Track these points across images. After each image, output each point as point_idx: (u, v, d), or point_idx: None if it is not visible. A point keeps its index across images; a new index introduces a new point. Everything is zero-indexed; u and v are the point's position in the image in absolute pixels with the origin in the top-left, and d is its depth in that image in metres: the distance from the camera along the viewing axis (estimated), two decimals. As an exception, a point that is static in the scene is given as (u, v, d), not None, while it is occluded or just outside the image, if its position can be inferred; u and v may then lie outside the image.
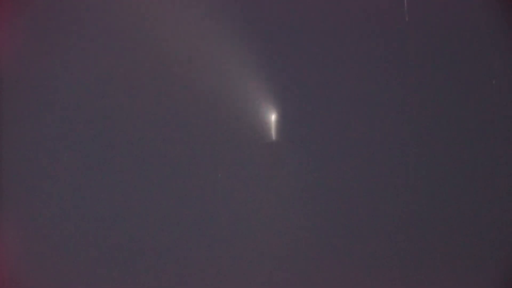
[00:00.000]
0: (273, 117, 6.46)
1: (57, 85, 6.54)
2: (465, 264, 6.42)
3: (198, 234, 6.42)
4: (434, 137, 6.52)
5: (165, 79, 6.51)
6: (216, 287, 6.39)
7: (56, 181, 6.51)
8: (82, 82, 6.52)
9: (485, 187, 6.50)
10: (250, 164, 6.44)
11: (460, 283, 6.41)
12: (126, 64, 6.50)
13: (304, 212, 6.46)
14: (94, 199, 6.48)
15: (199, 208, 6.43)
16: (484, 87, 6.53)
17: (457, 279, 6.43)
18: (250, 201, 6.43)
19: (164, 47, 6.49)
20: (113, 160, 6.50)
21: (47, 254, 6.45)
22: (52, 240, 6.47)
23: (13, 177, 6.51)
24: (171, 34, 6.50)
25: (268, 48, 6.47)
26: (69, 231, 6.48)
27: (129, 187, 6.49)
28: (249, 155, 6.45)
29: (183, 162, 6.50)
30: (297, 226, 6.44)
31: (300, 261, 6.39)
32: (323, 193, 6.45)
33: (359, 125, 6.48)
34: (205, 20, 6.47)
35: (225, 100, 6.44)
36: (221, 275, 6.40)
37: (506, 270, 6.41)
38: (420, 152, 6.51)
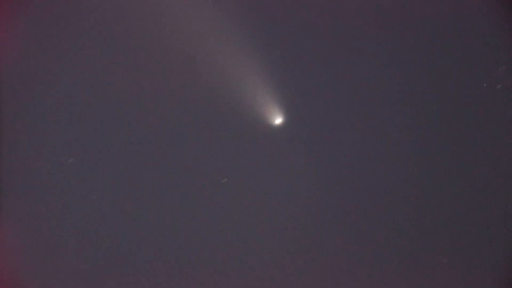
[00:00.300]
0: (277, 118, 6.46)
1: (57, 85, 6.54)
2: (465, 264, 6.41)
3: (201, 234, 6.40)
4: (436, 138, 6.51)
5: (167, 79, 6.50)
6: (217, 287, 6.40)
7: (56, 181, 6.50)
8: (82, 82, 6.52)
9: (485, 187, 6.49)
10: (254, 165, 6.44)
11: (460, 283, 6.40)
12: (127, 64, 6.49)
13: (308, 212, 6.46)
14: (95, 199, 6.48)
15: (203, 208, 6.42)
16: (486, 89, 6.53)
17: (457, 279, 6.43)
18: (253, 202, 6.44)
19: (166, 47, 6.48)
20: (114, 160, 6.49)
21: (47, 254, 6.44)
22: (51, 240, 6.46)
23: (13, 177, 6.51)
24: (172, 34, 6.49)
25: (273, 49, 6.47)
26: (69, 231, 6.46)
27: (130, 187, 6.48)
28: (252, 155, 6.45)
29: (185, 162, 6.49)
30: (301, 225, 6.42)
31: (304, 260, 6.38)
32: (326, 194, 6.44)
33: (364, 127, 6.47)
34: (206, 20, 6.47)
35: (229, 100, 6.43)
36: (223, 275, 6.39)
37: (506, 270, 6.40)
38: (422, 153, 6.50)
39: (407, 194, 6.55)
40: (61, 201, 6.54)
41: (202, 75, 6.53)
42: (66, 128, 6.57)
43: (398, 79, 6.61)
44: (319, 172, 6.56)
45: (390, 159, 6.56)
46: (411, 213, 6.54)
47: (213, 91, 6.54)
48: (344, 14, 6.59)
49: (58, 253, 6.48)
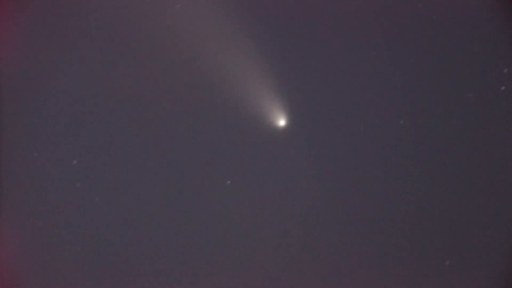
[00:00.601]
0: (281, 120, 6.45)
1: (59, 86, 6.51)
2: (467, 266, 6.47)
3: (206, 236, 6.42)
4: (440, 141, 6.52)
5: (170, 81, 6.46)
6: (218, 286, 6.43)
7: (59, 183, 6.49)
8: (85, 82, 6.49)
9: (489, 189, 6.53)
10: (258, 167, 6.44)
11: (460, 283, 6.46)
12: (129, 64, 6.46)
13: (312, 213, 6.48)
14: (98, 201, 6.47)
15: (207, 210, 6.43)
16: (490, 91, 6.54)
17: (457, 279, 6.49)
18: (257, 204, 6.45)
19: (168, 48, 6.44)
20: (117, 162, 6.47)
21: (48, 255, 6.44)
22: (52, 241, 6.46)
23: (14, 178, 6.49)
24: (175, 34, 6.45)
25: (277, 50, 6.44)
26: (71, 233, 6.46)
27: (133, 189, 6.47)
28: (256, 157, 6.45)
29: (188, 164, 6.48)
30: (305, 226, 6.45)
31: (309, 261, 6.42)
32: (330, 196, 6.46)
33: (368, 129, 6.48)
34: (209, 20, 6.42)
35: (232, 101, 6.41)
36: (227, 277, 6.42)
37: (506, 270, 6.47)
38: (426, 155, 6.52)
39: (411, 196, 6.57)
40: (64, 202, 6.52)
41: (205, 76, 6.49)
42: (66, 128, 6.54)
43: (402, 80, 6.59)
44: (323, 173, 6.56)
45: (393, 161, 6.57)
46: (414, 214, 6.56)
47: (216, 92, 6.51)
48: (348, 16, 6.56)
49: (59, 255, 6.48)
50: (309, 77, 6.61)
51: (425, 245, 6.53)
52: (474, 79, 6.55)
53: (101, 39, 6.54)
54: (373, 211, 6.55)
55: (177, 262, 6.47)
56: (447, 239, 6.51)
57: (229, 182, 6.48)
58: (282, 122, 6.52)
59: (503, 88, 6.40)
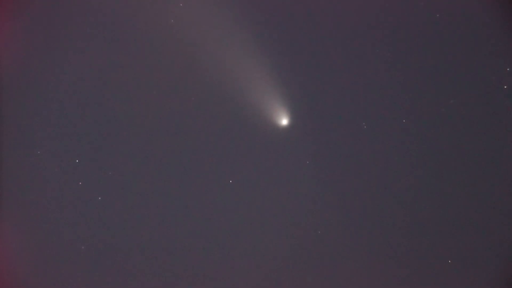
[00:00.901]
0: (283, 119, 6.44)
1: (61, 86, 6.49)
2: (468, 265, 6.49)
3: (208, 235, 6.42)
4: (442, 140, 6.52)
5: (172, 81, 6.44)
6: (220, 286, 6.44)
7: (58, 179, 6.48)
8: (87, 82, 6.47)
9: (490, 188, 6.54)
10: (260, 166, 6.44)
11: (461, 282, 6.48)
12: (131, 64, 6.43)
13: (313, 213, 6.48)
14: (97, 198, 6.46)
15: (209, 209, 6.43)
16: (493, 90, 6.53)
17: (457, 279, 6.50)
18: (259, 203, 6.45)
19: (170, 48, 6.41)
20: (118, 161, 6.45)
21: (48, 255, 6.44)
22: (53, 240, 6.45)
23: (15, 178, 6.47)
24: (177, 35, 6.41)
25: (278, 50, 6.42)
26: (72, 232, 6.46)
27: (135, 188, 6.47)
28: (258, 157, 6.45)
29: (190, 163, 6.48)
30: (306, 226, 6.46)
31: (310, 260, 6.43)
32: (331, 195, 6.47)
33: (370, 129, 6.48)
34: (211, 21, 6.39)
35: (234, 101, 6.40)
36: (229, 275, 6.43)
37: (506, 270, 6.48)
38: (428, 155, 6.52)
39: (413, 196, 6.58)
40: (66, 201, 6.52)
41: (207, 76, 6.47)
42: (71, 129, 6.54)
43: (405, 80, 6.58)
44: (325, 172, 6.56)
45: (395, 160, 6.57)
46: (415, 214, 6.57)
47: (218, 92, 6.49)
48: (351, 16, 6.53)
49: (60, 254, 6.48)
50: (311, 77, 6.59)
51: (427, 244, 6.55)
52: (477, 78, 6.54)
53: (102, 39, 6.51)
54: (374, 211, 6.56)
55: (179, 260, 6.47)
56: (449, 238, 6.52)
57: (230, 181, 6.47)
58: (284, 122, 6.51)
59: (505, 87, 6.39)
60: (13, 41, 6.46)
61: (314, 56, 6.57)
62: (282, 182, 6.56)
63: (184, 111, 6.52)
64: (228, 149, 6.54)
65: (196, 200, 6.52)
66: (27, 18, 6.48)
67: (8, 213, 6.47)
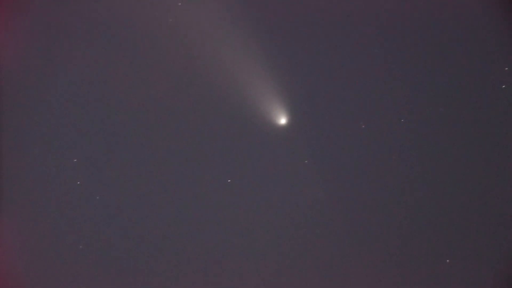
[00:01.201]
0: (282, 118, 6.44)
1: (60, 85, 6.51)
2: (468, 265, 6.46)
3: (207, 234, 6.42)
4: (441, 139, 6.52)
5: (171, 80, 6.46)
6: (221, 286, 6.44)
7: (57, 179, 6.49)
8: (86, 81, 6.49)
9: (490, 188, 6.52)
10: (259, 165, 6.44)
11: (460, 282, 6.46)
12: (130, 63, 6.45)
13: (313, 212, 6.48)
14: (98, 200, 6.47)
15: (207, 208, 6.43)
16: (491, 89, 6.52)
17: (458, 277, 6.48)
18: (258, 202, 6.45)
19: (169, 47, 6.43)
20: (117, 160, 6.46)
21: (48, 255, 6.44)
22: (53, 240, 6.46)
23: (14, 177, 6.49)
24: (176, 34, 6.44)
25: (278, 49, 6.43)
26: (71, 232, 6.47)
27: (134, 187, 6.47)
28: (257, 156, 6.45)
29: (189, 162, 6.49)
30: (305, 225, 6.45)
31: (309, 260, 6.42)
32: (330, 194, 6.47)
33: (369, 128, 6.49)
34: (210, 20, 6.41)
35: (233, 100, 6.41)
36: (228, 275, 6.42)
37: (506, 270, 6.46)
38: (427, 154, 6.51)
39: (412, 195, 6.57)
40: (64, 201, 6.53)
41: (206, 75, 6.48)
42: (70, 128, 6.56)
43: (403, 79, 6.59)
44: (324, 172, 6.56)
45: (394, 160, 6.57)
46: (414, 213, 6.56)
47: (216, 91, 6.50)
48: (350, 16, 6.54)
49: (60, 254, 6.48)
50: (310, 76, 6.60)
51: (426, 243, 6.53)
52: (476, 78, 6.54)
53: (101, 38, 6.54)
54: (373, 210, 6.55)
55: (177, 259, 6.47)
56: (448, 238, 6.51)
57: (229, 180, 6.48)
58: (282, 121, 6.51)
59: (503, 86, 6.38)
60: (13, 41, 6.50)
61: (312, 55, 6.58)
62: (280, 181, 6.57)
63: (182, 110, 6.54)
64: (226, 148, 6.54)
65: (194, 199, 6.53)
66: (27, 18, 6.51)
67: (6, 213, 6.48)
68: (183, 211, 6.52)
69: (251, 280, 6.47)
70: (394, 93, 6.58)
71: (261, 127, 6.50)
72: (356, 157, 6.59)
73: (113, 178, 6.54)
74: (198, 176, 6.54)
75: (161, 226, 6.51)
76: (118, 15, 6.51)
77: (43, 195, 6.55)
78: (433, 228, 6.52)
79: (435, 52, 6.56)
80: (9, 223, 6.47)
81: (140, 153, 6.56)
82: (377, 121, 6.55)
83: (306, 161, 6.54)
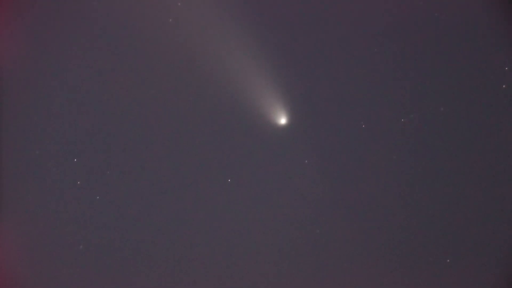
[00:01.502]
0: (282, 118, 6.44)
1: (56, 85, 6.51)
2: (468, 264, 6.47)
3: (207, 234, 6.42)
4: (441, 139, 6.52)
5: (171, 80, 6.45)
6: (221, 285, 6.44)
7: (57, 179, 6.49)
8: (86, 81, 6.48)
9: (490, 187, 6.52)
10: (259, 165, 6.44)
11: (461, 281, 6.46)
12: (131, 63, 6.45)
13: (313, 212, 6.48)
14: (98, 200, 6.47)
15: (208, 208, 6.43)
16: (492, 89, 6.52)
17: (458, 277, 6.48)
18: (258, 202, 6.45)
19: (170, 48, 6.43)
20: (118, 160, 6.47)
21: (48, 255, 6.44)
22: (53, 240, 6.46)
23: (15, 177, 6.49)
24: (177, 34, 6.43)
25: (278, 49, 6.43)
26: (71, 232, 6.47)
27: (134, 188, 6.48)
28: (257, 156, 6.45)
29: (189, 162, 6.48)
30: (305, 225, 6.46)
31: (310, 259, 6.42)
32: (331, 194, 6.47)
33: (369, 128, 6.49)
34: (210, 20, 6.41)
35: (234, 100, 6.41)
36: (228, 275, 6.42)
37: (506, 269, 6.46)
38: (427, 154, 6.51)
39: (412, 195, 6.57)
40: (64, 201, 6.52)
41: (206, 75, 6.48)
42: (70, 128, 6.55)
43: (404, 79, 6.58)
44: (323, 172, 6.56)
45: (395, 159, 6.57)
46: (415, 213, 6.56)
47: (216, 91, 6.50)
48: (350, 15, 6.54)
49: (60, 254, 6.48)
50: (310, 76, 6.59)
51: (426, 243, 6.53)
52: (476, 77, 6.54)
53: (101, 38, 6.53)
54: (373, 209, 6.55)
55: (177, 259, 6.48)
56: (448, 237, 6.51)
57: (229, 180, 6.48)
58: (283, 121, 6.51)
59: (504, 86, 6.38)
60: (13, 41, 6.49)
61: (312, 55, 6.58)
62: (280, 181, 6.57)
63: (182, 110, 6.53)
64: (227, 148, 6.54)
65: (194, 199, 6.53)
66: (27, 18, 6.51)
67: (6, 213, 6.48)
68: (184, 211, 6.53)
69: (252, 280, 6.47)
70: (394, 93, 6.58)
71: (261, 126, 6.50)
72: (356, 156, 6.59)
73: (113, 178, 6.54)
74: (198, 176, 6.54)
75: (162, 226, 6.51)
76: (118, 15, 6.51)
77: (43, 195, 6.55)
78: (433, 228, 6.52)
79: (435, 52, 6.55)
80: (9, 223, 6.47)
81: (141, 153, 6.56)
82: (377, 120, 6.55)
83: (306, 161, 6.53)
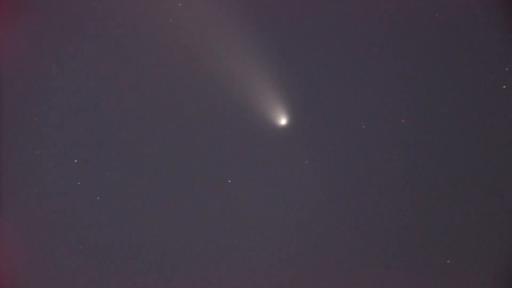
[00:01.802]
0: (282, 119, 6.44)
1: (56, 85, 6.50)
2: (464, 263, 6.47)
3: (207, 235, 6.43)
4: (441, 140, 6.52)
5: (172, 81, 6.45)
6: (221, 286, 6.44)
7: (57, 179, 6.49)
8: (87, 82, 6.48)
9: (485, 187, 6.53)
10: (259, 166, 6.44)
11: (461, 281, 6.47)
12: (131, 64, 6.44)
13: (313, 212, 6.48)
14: (94, 200, 6.47)
15: (208, 208, 6.43)
16: (492, 90, 6.53)
17: (458, 277, 6.49)
18: (258, 203, 6.46)
19: (170, 48, 6.42)
20: (118, 161, 6.46)
21: (48, 255, 6.44)
22: (53, 240, 6.46)
23: (15, 178, 6.49)
24: (178, 35, 6.43)
25: (278, 50, 6.43)
26: (71, 232, 6.47)
27: (134, 188, 6.47)
28: (257, 156, 6.45)
29: (190, 163, 6.48)
30: (305, 225, 6.46)
31: (310, 260, 6.43)
32: (331, 195, 6.47)
33: (369, 129, 6.49)
34: (211, 21, 6.40)
35: (234, 101, 6.41)
36: (228, 275, 6.42)
37: (506, 269, 6.47)
38: (427, 154, 6.52)
39: (412, 195, 6.57)
40: (65, 202, 6.52)
41: (207, 76, 6.48)
42: (70, 129, 6.55)
43: (403, 80, 6.59)
44: (323, 172, 6.56)
45: (395, 160, 6.57)
46: (415, 213, 6.56)
47: (216, 92, 6.50)
48: (350, 15, 6.54)
49: (60, 254, 6.48)
50: (310, 76, 6.59)
51: (426, 243, 6.53)
52: (476, 78, 6.54)
53: (101, 38, 6.53)
54: (373, 210, 6.56)
55: (177, 259, 6.47)
56: (448, 237, 6.51)
57: (229, 180, 6.48)
58: (283, 121, 6.51)
59: (504, 87, 6.39)
60: (13, 41, 6.49)
61: (313, 56, 6.58)
62: (281, 182, 6.57)
63: (183, 111, 6.53)
64: (227, 148, 6.54)
65: (195, 200, 6.53)
66: (27, 18, 6.50)
67: (7, 213, 6.48)
68: (184, 212, 6.53)
69: (252, 280, 6.47)
70: (394, 94, 6.58)
71: (261, 127, 6.50)
72: (356, 157, 6.59)
73: (113, 179, 6.54)
74: (199, 177, 6.54)
75: (162, 227, 6.51)
76: (119, 16, 6.50)
77: (43, 196, 6.54)
78: (434, 228, 6.52)
79: (436, 53, 6.56)
80: (10, 224, 6.47)
81: (141, 154, 6.56)
82: (378, 121, 6.55)
83: (306, 162, 6.54)
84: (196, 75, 6.51)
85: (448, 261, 6.46)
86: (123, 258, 6.49)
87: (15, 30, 6.51)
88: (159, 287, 6.47)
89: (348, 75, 6.59)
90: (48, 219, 6.52)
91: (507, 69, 6.43)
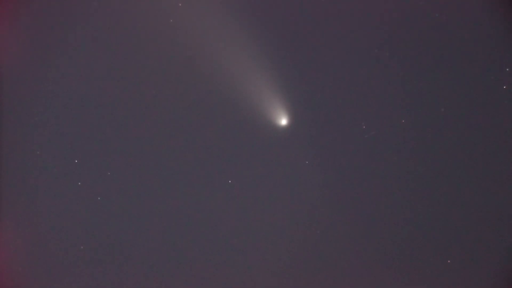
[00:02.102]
0: (283, 119, 6.45)
1: (57, 85, 6.50)
2: (465, 263, 6.48)
3: (207, 235, 6.43)
4: (442, 140, 6.52)
5: (172, 81, 6.45)
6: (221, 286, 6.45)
7: (58, 180, 6.49)
8: (87, 82, 6.48)
9: (485, 187, 6.53)
10: (259, 166, 6.45)
11: (461, 282, 6.47)
12: (131, 64, 6.44)
13: (313, 212, 6.48)
14: (95, 200, 6.47)
15: (208, 209, 6.44)
16: (492, 90, 6.53)
17: (459, 277, 6.49)
18: (258, 203, 6.46)
19: (170, 48, 6.42)
20: (118, 161, 6.46)
21: (48, 255, 6.44)
22: (53, 240, 6.46)
23: (15, 178, 6.49)
24: (178, 35, 6.43)
25: (279, 50, 6.43)
26: (71, 233, 6.47)
27: (134, 189, 6.48)
28: (257, 157, 6.45)
29: (190, 163, 6.48)
30: (306, 225, 6.46)
31: (310, 260, 6.43)
32: (331, 195, 6.47)
33: (370, 129, 6.49)
34: (211, 21, 6.40)
35: (234, 101, 6.41)
36: (228, 275, 6.43)
37: (506, 270, 6.47)
38: (428, 155, 6.52)
39: (413, 195, 6.57)
40: (65, 202, 6.53)
41: (207, 76, 6.48)
42: (71, 129, 6.56)
43: (403, 81, 6.59)
44: (323, 173, 6.56)
45: (395, 160, 6.57)
46: (415, 213, 6.57)
47: (217, 92, 6.50)
48: (351, 16, 6.53)
49: (61, 255, 6.48)
50: (310, 77, 6.59)
51: (426, 243, 6.53)
52: (476, 78, 6.54)
53: (101, 39, 6.53)
54: (374, 210, 6.56)
55: (178, 259, 6.48)
56: (449, 238, 6.51)
57: (230, 181, 6.48)
58: (283, 122, 6.51)
59: (505, 87, 6.39)
60: (13, 41, 6.48)
61: (313, 56, 6.57)
62: (281, 182, 6.57)
63: (183, 111, 6.53)
64: (227, 149, 6.54)
65: (195, 200, 6.53)
66: (27, 18, 6.50)
67: (7, 213, 6.48)
68: (184, 212, 6.53)
69: (252, 280, 6.47)
70: (395, 94, 6.58)
71: (262, 128, 6.50)
72: (357, 157, 6.59)
73: (114, 179, 6.54)
74: (199, 177, 6.54)
75: (162, 227, 6.52)
76: (119, 16, 6.50)
77: (44, 196, 6.55)
78: (434, 229, 6.52)
79: (436, 53, 6.55)
80: (10, 224, 6.47)
81: (141, 154, 6.56)
82: (378, 121, 6.55)
83: (306, 162, 6.54)
84: (197, 75, 6.50)
85: (448, 261, 6.46)
86: (123, 258, 6.49)
87: (15, 30, 6.50)
88: (159, 287, 6.48)
89: (348, 76, 6.59)
90: (49, 219, 6.52)
91: (507, 69, 6.43)
